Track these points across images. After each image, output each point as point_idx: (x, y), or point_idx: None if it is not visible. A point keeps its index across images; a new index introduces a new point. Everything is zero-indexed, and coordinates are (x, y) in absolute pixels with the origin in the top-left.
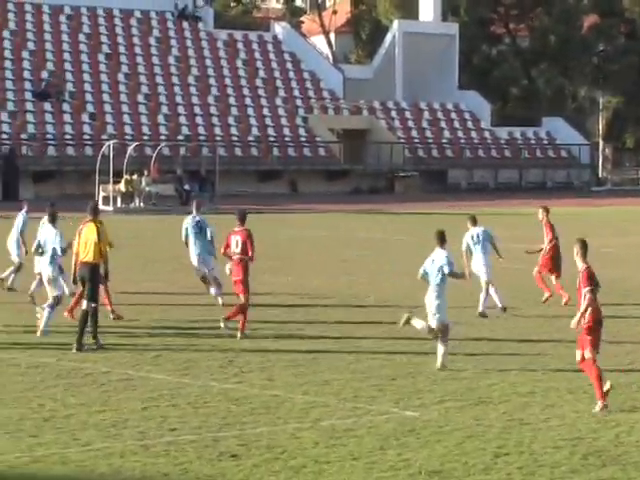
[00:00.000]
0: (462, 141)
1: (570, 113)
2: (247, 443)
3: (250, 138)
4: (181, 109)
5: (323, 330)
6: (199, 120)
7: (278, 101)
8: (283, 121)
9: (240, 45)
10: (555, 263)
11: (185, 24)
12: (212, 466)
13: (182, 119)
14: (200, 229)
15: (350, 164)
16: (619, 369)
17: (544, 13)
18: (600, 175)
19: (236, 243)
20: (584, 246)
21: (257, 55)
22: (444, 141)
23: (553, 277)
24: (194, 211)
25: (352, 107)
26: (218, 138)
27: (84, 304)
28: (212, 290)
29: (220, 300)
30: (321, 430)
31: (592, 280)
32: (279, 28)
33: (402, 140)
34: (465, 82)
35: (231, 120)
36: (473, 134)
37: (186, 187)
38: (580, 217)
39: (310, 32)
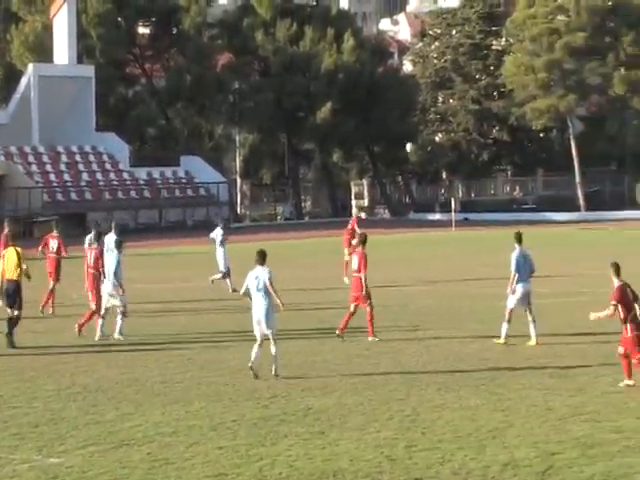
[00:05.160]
0: (101, 183)
1: (207, 151)
2: None
3: None
4: None
5: None
6: None
7: None
8: None
9: None
10: None
11: None
12: None
13: None
14: None
15: None
16: (260, 404)
17: (179, 53)
18: (239, 212)
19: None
20: None
21: None
22: (83, 184)
23: None
24: None
25: None
26: None
27: None
28: None
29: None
30: None
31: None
32: None
33: (40, 184)
34: (102, 124)
35: None
36: (112, 175)
37: None
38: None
39: None
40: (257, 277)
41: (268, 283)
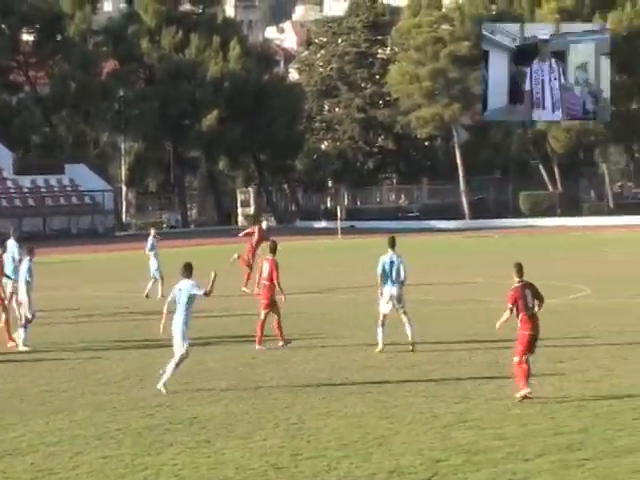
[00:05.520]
0: None
1: (93, 159)
2: None
3: None
4: None
5: None
6: None
7: None
8: None
9: None
10: None
11: None
12: None
13: None
14: None
15: None
16: (145, 413)
17: (63, 60)
18: (124, 220)
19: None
20: None
21: None
22: None
23: None
24: None
25: None
26: None
27: None
28: None
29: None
30: None
31: None
32: None
33: None
34: None
35: None
36: None
37: None
38: (103, 262)
39: None
40: (180, 289)
41: (196, 290)
